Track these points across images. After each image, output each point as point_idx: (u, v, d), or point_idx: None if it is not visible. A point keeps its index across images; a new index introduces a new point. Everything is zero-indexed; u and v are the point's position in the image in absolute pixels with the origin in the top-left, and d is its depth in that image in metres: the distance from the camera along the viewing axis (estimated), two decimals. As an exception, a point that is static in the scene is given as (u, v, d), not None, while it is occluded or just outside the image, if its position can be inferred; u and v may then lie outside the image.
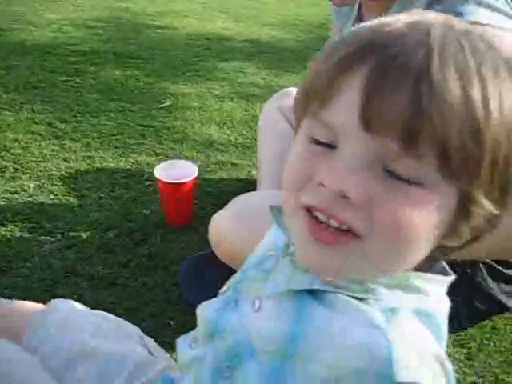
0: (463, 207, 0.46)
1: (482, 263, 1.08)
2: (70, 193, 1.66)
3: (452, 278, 0.53)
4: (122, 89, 2.41)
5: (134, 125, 2.11)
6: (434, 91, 0.42)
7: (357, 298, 0.48)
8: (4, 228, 1.48)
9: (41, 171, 1.76)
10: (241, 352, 0.52)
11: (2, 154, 1.84)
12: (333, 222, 0.46)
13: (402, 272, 0.50)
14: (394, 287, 0.49)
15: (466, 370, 1.16)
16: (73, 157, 1.86)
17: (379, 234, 0.45)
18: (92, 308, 0.91)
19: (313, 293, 0.50)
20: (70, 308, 0.87)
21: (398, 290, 0.49)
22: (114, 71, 2.65)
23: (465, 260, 1.08)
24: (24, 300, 0.92)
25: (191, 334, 0.64)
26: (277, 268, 0.55)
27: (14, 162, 1.80)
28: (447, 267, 0.54)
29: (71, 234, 1.47)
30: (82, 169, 1.79)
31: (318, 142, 0.47)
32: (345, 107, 0.44)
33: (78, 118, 2.13)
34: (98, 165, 1.83)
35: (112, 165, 1.83)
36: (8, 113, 2.14)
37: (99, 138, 2.00)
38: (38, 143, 1.93)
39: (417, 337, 0.46)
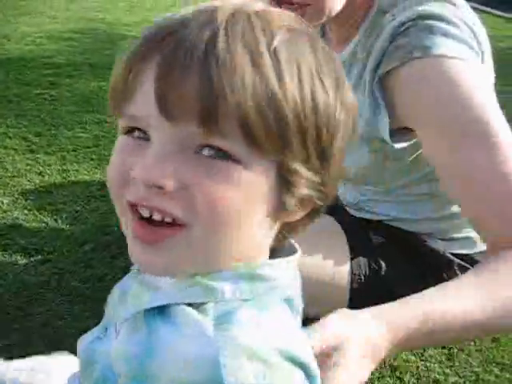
0: (283, 179, 0.47)
1: (458, 265, 1.08)
2: (44, 207, 1.64)
3: (299, 253, 0.54)
4: (98, 100, 2.39)
5: (109, 136, 2.10)
6: (222, 69, 0.43)
7: (197, 305, 0.48)
8: (-23, 245, 1.45)
9: (14, 186, 1.74)
10: (107, 381, 0.51)
11: (-24, 169, 1.82)
12: (156, 216, 0.45)
13: (247, 262, 0.49)
14: (238, 280, 0.49)
15: (448, 370, 1.16)
16: (47, 171, 1.84)
17: (201, 218, 0.45)
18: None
19: (160, 308, 0.49)
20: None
21: (243, 283, 0.49)
22: (89, 83, 2.63)
23: (441, 264, 1.08)
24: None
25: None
26: (131, 288, 0.54)
27: (-12, 178, 1.77)
28: (294, 243, 0.55)
29: (46, 249, 1.45)
30: (57, 182, 1.77)
31: (132, 137, 0.47)
32: (144, 99, 0.45)
33: (53, 132, 2.11)
34: (73, 178, 1.81)
35: (87, 177, 1.80)
36: (-19, 128, 2.11)
37: (74, 151, 1.98)
38: (11, 158, 1.91)
39: (250, 338, 0.45)
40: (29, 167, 1.85)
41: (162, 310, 0.49)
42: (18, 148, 1.98)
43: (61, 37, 3.35)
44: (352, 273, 1.05)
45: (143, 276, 0.53)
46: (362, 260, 1.07)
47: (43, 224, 1.57)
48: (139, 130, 0.47)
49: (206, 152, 0.44)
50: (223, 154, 0.44)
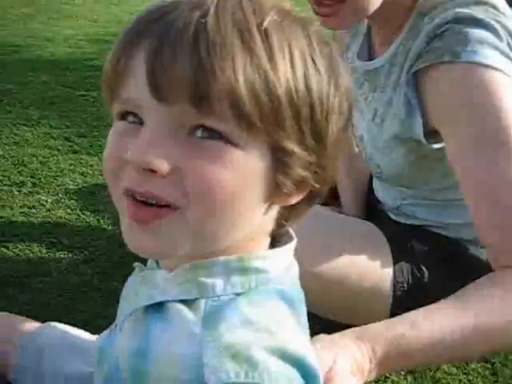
0: (278, 160, 0.46)
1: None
2: (87, 207, 1.67)
3: (295, 240, 0.53)
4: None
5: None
6: (212, 49, 0.43)
7: (191, 301, 0.48)
8: (22, 243, 1.48)
9: (58, 186, 1.77)
10: (112, 378, 0.52)
11: (20, 169, 1.86)
12: (151, 200, 0.45)
13: (241, 252, 0.49)
14: (230, 274, 0.48)
15: (491, 385, 1.14)
16: (90, 171, 1.87)
17: (196, 200, 0.45)
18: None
19: (157, 305, 0.50)
20: (58, 335, 0.84)
21: (235, 276, 0.48)
22: (129, 85, 2.66)
23: (483, 272, 1.07)
24: (42, 316, 0.92)
25: None
26: (133, 286, 0.55)
27: (32, 177, 1.81)
28: (290, 230, 0.54)
29: (89, 248, 1.48)
30: (99, 183, 1.80)
31: (127, 122, 0.47)
32: (136, 83, 0.45)
33: (95, 133, 2.14)
34: (115, 179, 1.83)
35: (128, 179, 1.83)
36: (25, 128, 2.16)
37: (116, 152, 2.01)
38: (55, 158, 1.95)
39: (236, 336, 0.45)
40: (72, 167, 1.89)
41: (159, 307, 0.50)
42: (61, 148, 2.02)
43: (101, 39, 3.41)
44: (395, 280, 1.05)
45: (144, 272, 0.54)
46: (405, 267, 1.06)
47: (86, 224, 1.60)
48: (133, 114, 0.47)
49: (199, 133, 0.45)
50: (216, 135, 0.44)
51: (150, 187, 0.45)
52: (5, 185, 1.76)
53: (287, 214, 0.52)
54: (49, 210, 1.64)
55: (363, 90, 1.07)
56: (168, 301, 0.49)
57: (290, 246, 0.53)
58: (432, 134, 0.94)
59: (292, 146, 0.46)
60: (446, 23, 0.88)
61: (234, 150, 0.44)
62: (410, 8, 0.96)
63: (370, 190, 1.26)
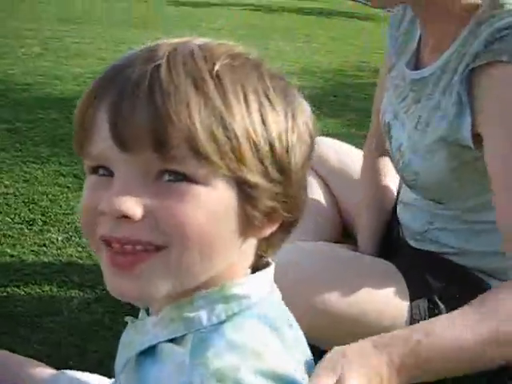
0: (245, 193, 0.48)
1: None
2: (97, 245, 1.67)
3: (273, 265, 0.55)
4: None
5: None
6: (167, 98, 0.45)
7: (180, 338, 0.49)
8: (33, 281, 1.48)
9: (69, 223, 1.78)
10: None
11: (31, 206, 1.87)
12: (127, 247, 0.47)
13: (221, 282, 0.51)
14: (213, 305, 0.50)
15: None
16: (99, 208, 1.88)
17: (173, 240, 0.47)
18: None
19: (150, 350, 0.51)
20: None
21: (218, 305, 0.50)
22: (137, 122, 2.70)
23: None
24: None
25: None
26: (127, 337, 0.57)
27: (42, 215, 1.82)
28: (268, 258, 0.56)
29: (100, 287, 1.47)
30: (109, 220, 1.81)
31: (98, 175, 0.50)
32: (102, 137, 0.48)
33: (104, 170, 2.16)
34: (125, 216, 1.84)
35: (138, 216, 1.84)
36: (35, 166, 2.18)
37: (125, 189, 2.02)
38: (65, 195, 1.96)
39: (222, 361, 0.46)
40: (82, 205, 1.90)
41: (151, 351, 0.51)
42: (70, 186, 2.04)
43: (109, 77, 3.47)
44: (411, 318, 1.04)
45: (136, 323, 0.56)
46: (422, 304, 1.05)
47: (96, 262, 1.59)
48: (103, 167, 0.49)
49: (165, 177, 0.47)
50: (181, 177, 0.47)
51: (127, 232, 0.47)
52: (15, 223, 1.77)
53: (264, 246, 0.54)
54: (59, 248, 1.65)
55: (406, 102, 1.08)
56: (159, 342, 0.51)
57: (269, 270, 0.55)
58: (476, 139, 0.95)
59: (256, 179, 0.48)
60: (507, 28, 0.90)
61: (200, 188, 0.47)
62: (465, 17, 0.97)
63: (392, 217, 1.25)
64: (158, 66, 0.47)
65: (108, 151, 0.47)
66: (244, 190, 0.48)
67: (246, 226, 0.49)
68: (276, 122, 0.49)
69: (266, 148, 0.48)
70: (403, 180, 1.15)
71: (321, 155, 1.35)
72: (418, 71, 1.07)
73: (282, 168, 0.49)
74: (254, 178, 0.48)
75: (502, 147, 0.91)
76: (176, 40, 0.51)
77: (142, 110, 0.46)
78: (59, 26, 5.98)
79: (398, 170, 1.13)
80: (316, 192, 1.33)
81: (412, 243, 1.17)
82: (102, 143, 0.47)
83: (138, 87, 0.46)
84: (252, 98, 0.48)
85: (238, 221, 0.49)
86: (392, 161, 1.16)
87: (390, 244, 1.23)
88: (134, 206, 0.46)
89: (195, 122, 0.45)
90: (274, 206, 0.49)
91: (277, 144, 0.48)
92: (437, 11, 0.98)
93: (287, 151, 0.49)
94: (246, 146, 0.47)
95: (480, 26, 0.94)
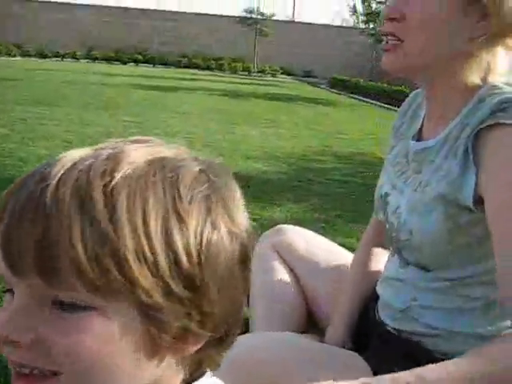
0: (148, 316, 0.45)
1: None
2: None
3: (208, 373, 0.52)
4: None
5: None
6: (49, 221, 0.43)
7: None
8: None
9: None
10: None
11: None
12: (24, 370, 0.46)
13: None
14: None
15: None
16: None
17: (65, 368, 0.45)
18: None
19: None
20: None
21: None
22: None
23: None
24: None
25: None
26: None
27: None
28: (207, 370, 0.53)
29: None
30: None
31: (10, 294, 0.49)
32: (1, 257, 0.46)
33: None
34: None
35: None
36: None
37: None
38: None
39: None
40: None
41: None
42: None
43: (75, 160, 3.48)
44: None
45: None
46: None
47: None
48: (9, 289, 0.49)
49: (57, 304, 0.45)
50: (72, 306, 0.45)
51: (18, 357, 0.46)
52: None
53: (196, 361, 0.50)
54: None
55: (406, 174, 1.11)
56: None
57: (204, 380, 0.52)
58: (477, 204, 0.97)
59: (155, 300, 0.44)
60: (506, 102, 0.95)
61: (93, 315, 0.44)
62: (469, 94, 1.03)
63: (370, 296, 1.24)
64: (47, 187, 0.44)
65: (6, 273, 0.47)
66: (145, 312, 0.45)
67: (156, 349, 0.47)
68: (184, 236, 0.45)
69: (167, 266, 0.44)
70: (396, 243, 1.14)
71: (289, 243, 1.37)
72: (422, 142, 1.11)
73: (193, 285, 0.45)
74: (154, 299, 0.44)
75: (501, 207, 0.94)
76: (99, 146, 0.48)
77: (26, 235, 0.44)
78: (28, 107, 6.06)
79: (392, 233, 1.13)
80: (283, 280, 1.33)
81: (390, 323, 1.15)
82: (2, 264, 0.47)
83: (25, 209, 0.44)
84: (153, 212, 0.44)
85: (141, 345, 0.46)
86: (386, 231, 1.17)
87: (366, 324, 1.21)
88: (22, 332, 0.45)
89: (77, 246, 0.43)
90: (185, 326, 0.46)
91: (183, 259, 0.45)
92: (442, 88, 1.05)
93: (199, 266, 0.45)
94: (138, 266, 0.43)
95: (483, 101, 1.01)
